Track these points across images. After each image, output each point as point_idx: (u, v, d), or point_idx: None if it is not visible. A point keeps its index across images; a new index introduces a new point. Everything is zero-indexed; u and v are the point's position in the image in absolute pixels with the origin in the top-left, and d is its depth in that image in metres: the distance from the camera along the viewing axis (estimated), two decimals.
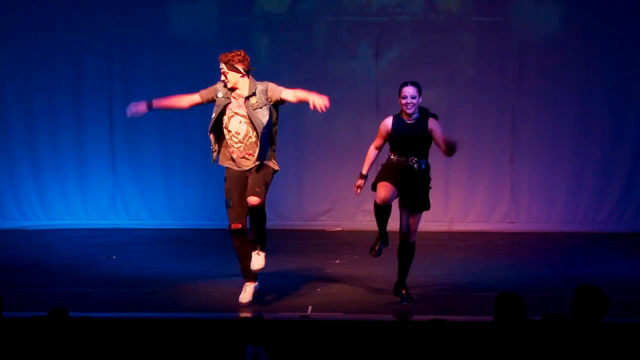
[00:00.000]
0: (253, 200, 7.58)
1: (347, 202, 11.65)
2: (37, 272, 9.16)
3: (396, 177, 7.66)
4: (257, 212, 7.65)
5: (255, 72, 11.49)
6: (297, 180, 11.75)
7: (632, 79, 11.45)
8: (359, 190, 7.98)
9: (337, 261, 9.79)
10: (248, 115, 7.65)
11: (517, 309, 5.30)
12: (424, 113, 7.74)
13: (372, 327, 7.05)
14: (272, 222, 11.48)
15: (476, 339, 5.30)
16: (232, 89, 7.74)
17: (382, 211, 7.79)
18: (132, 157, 11.75)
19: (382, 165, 7.83)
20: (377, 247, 7.96)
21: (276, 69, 11.71)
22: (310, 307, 7.67)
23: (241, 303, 7.71)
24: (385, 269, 8.96)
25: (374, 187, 7.79)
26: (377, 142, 7.84)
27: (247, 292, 7.78)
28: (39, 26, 11.60)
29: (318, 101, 7.71)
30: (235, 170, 7.74)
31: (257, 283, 7.85)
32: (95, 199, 11.76)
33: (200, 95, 7.84)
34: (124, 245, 10.66)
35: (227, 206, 7.77)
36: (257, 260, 7.77)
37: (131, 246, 10.68)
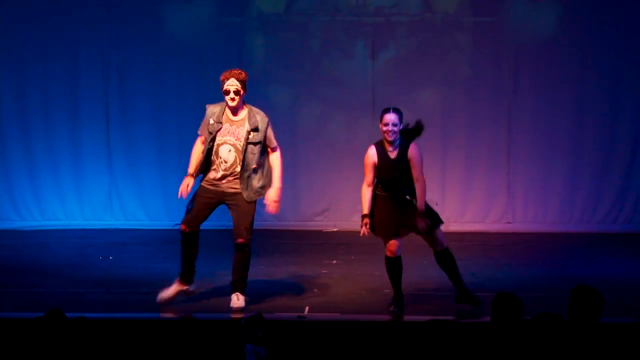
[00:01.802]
0: (240, 241, 7.68)
1: (343, 202, 11.64)
2: (33, 273, 9.15)
3: (395, 219, 7.60)
4: (242, 249, 7.71)
5: (250, 72, 11.56)
6: (293, 181, 11.72)
7: (628, 79, 11.44)
8: (367, 231, 7.62)
9: (334, 261, 9.79)
10: (237, 145, 7.59)
11: (515, 309, 5.30)
12: (405, 138, 7.61)
13: (369, 328, 7.05)
14: (268, 222, 11.52)
15: (473, 339, 5.30)
16: (228, 112, 7.63)
17: (394, 264, 7.71)
18: (129, 157, 11.73)
19: (375, 197, 7.66)
20: (392, 307, 7.76)
21: (272, 69, 11.72)
22: (307, 308, 7.68)
23: (161, 298, 7.72)
24: (381, 270, 8.94)
25: (372, 228, 7.68)
26: (368, 178, 7.61)
27: (171, 289, 7.78)
28: (32, 27, 11.56)
29: (272, 199, 7.71)
30: (211, 189, 7.71)
31: (191, 288, 7.85)
32: (92, 199, 11.74)
33: (204, 136, 7.72)
34: (120, 246, 10.65)
35: (187, 210, 7.77)
36: (238, 302, 7.74)
37: (127, 246, 10.67)
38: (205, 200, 7.73)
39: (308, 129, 11.73)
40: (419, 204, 7.55)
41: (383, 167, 7.57)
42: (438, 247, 7.76)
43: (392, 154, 7.58)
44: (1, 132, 11.74)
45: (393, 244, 7.65)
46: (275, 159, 7.77)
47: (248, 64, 11.56)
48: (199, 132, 7.77)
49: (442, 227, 11.15)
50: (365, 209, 7.59)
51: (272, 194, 7.71)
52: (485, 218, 11.67)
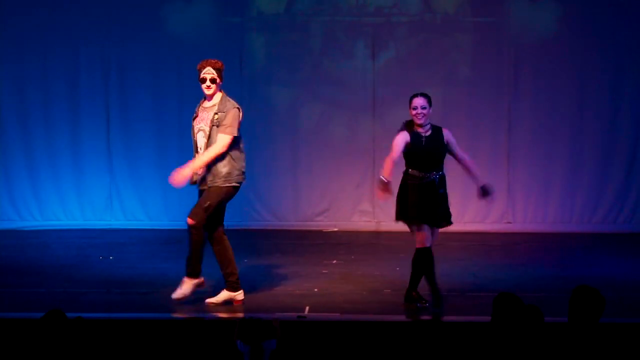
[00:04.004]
0: (188, 220, 7.63)
1: (343, 202, 11.66)
2: (33, 273, 9.15)
3: (427, 206, 7.59)
4: (189, 231, 7.66)
5: (251, 72, 11.59)
6: (294, 181, 11.75)
7: (628, 79, 11.45)
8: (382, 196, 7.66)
9: (334, 261, 9.78)
10: (205, 130, 7.62)
11: (516, 309, 5.29)
12: (435, 125, 7.70)
13: (369, 328, 7.05)
14: (269, 222, 11.57)
15: (473, 339, 5.30)
16: (204, 101, 7.69)
17: (425, 256, 7.65)
18: (129, 157, 11.73)
19: (407, 186, 7.66)
20: (420, 301, 7.72)
21: (272, 70, 11.73)
22: (307, 308, 7.67)
23: (178, 297, 7.74)
24: (381, 270, 8.97)
25: (403, 217, 7.68)
26: (395, 153, 7.59)
27: (185, 288, 7.79)
28: (33, 28, 11.57)
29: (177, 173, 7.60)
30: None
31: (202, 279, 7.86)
32: (92, 199, 11.74)
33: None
34: (120, 246, 10.65)
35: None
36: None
37: (127, 246, 10.67)
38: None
39: (308, 129, 11.73)
40: (477, 175, 7.78)
41: (416, 144, 7.59)
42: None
43: (424, 132, 7.61)
44: (1, 133, 11.75)
45: (424, 233, 7.63)
46: (218, 140, 7.60)
47: (248, 64, 11.59)
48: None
49: (442, 228, 11.23)
50: (386, 175, 7.50)
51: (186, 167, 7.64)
52: (485, 218, 11.67)
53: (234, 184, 7.67)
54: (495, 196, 11.59)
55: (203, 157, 7.60)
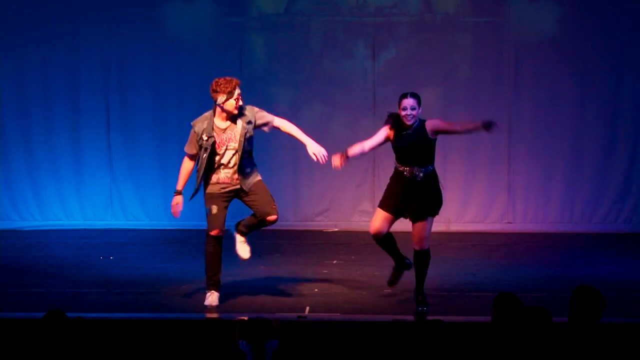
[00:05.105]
0: (273, 217, 7.76)
1: (343, 202, 11.66)
2: (33, 273, 9.15)
3: (397, 198, 7.66)
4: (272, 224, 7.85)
5: (251, 72, 11.59)
6: (294, 181, 11.75)
7: (628, 79, 11.45)
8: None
9: (334, 261, 9.79)
10: (236, 147, 7.61)
11: (516, 309, 5.29)
12: (421, 121, 7.70)
13: (369, 328, 7.05)
14: None
15: (474, 339, 5.30)
16: (217, 122, 7.60)
17: (381, 244, 7.84)
18: (129, 157, 11.73)
19: (390, 178, 7.81)
20: (392, 277, 7.92)
21: (272, 70, 11.72)
22: (307, 308, 7.67)
23: (211, 306, 7.69)
24: (382, 270, 8.95)
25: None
26: (371, 141, 7.76)
27: (214, 297, 7.76)
28: (33, 27, 11.57)
29: (318, 150, 7.75)
30: (224, 192, 7.73)
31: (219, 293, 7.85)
32: (92, 199, 11.74)
33: (193, 153, 7.68)
34: (120, 246, 10.65)
35: (209, 213, 7.75)
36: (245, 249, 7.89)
37: (128, 246, 10.67)
38: (225, 204, 7.75)
39: (309, 129, 11.55)
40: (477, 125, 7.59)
41: (399, 140, 7.64)
42: (421, 247, 7.73)
43: (409, 129, 7.63)
44: (1, 132, 11.75)
45: (376, 220, 7.77)
46: (287, 124, 7.89)
47: (248, 64, 11.58)
48: (186, 150, 7.69)
49: (443, 227, 11.26)
50: (349, 150, 7.71)
51: (314, 148, 7.80)
52: (486, 218, 11.67)
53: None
54: (495, 196, 11.70)
55: (306, 137, 7.91)
